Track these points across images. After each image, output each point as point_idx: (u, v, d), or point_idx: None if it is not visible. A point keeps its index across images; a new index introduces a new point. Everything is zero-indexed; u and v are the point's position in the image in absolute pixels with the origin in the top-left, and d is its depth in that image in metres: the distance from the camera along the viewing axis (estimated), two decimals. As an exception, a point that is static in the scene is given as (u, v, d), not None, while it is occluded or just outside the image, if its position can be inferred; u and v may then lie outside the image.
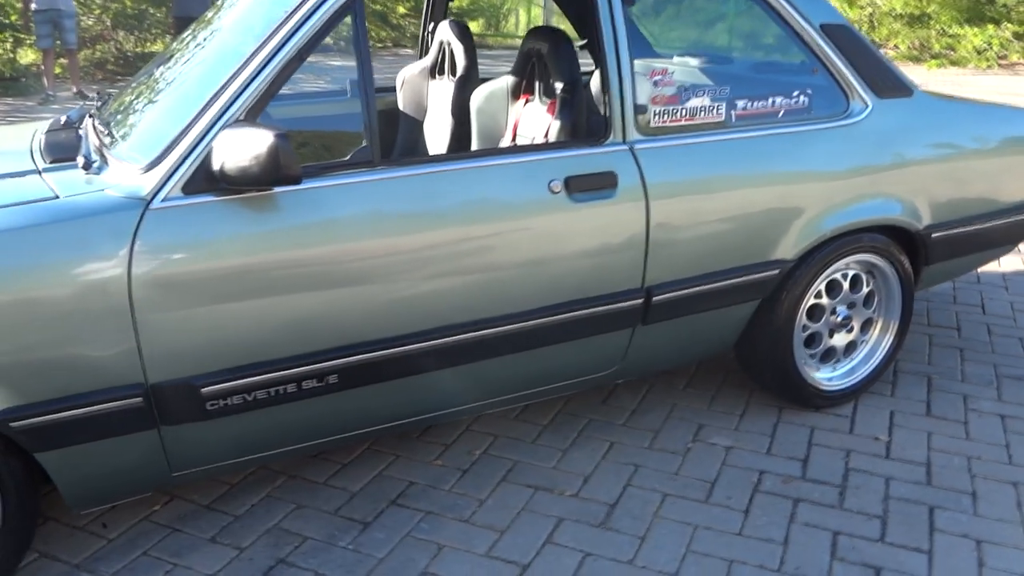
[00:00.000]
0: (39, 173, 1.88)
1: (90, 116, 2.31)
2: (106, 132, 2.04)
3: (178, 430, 1.84)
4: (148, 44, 12.18)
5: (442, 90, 2.87)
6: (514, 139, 2.55)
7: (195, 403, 1.80)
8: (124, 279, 1.68)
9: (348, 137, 2.13)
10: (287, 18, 1.85)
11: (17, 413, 1.66)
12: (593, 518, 2.17)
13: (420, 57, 3.16)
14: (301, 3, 1.86)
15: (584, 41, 3.00)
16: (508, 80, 2.61)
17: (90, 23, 10.88)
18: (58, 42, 8.26)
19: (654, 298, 2.23)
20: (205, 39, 2.32)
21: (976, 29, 12.02)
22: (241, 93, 1.79)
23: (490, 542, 2.08)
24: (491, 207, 1.99)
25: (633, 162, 2.14)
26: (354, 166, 1.89)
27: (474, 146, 2.67)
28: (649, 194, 2.15)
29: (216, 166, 1.72)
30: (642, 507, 2.22)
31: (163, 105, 2.08)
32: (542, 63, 2.45)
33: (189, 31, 2.53)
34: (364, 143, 1.89)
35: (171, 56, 2.41)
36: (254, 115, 1.80)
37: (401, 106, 3.07)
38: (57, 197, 1.74)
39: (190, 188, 1.75)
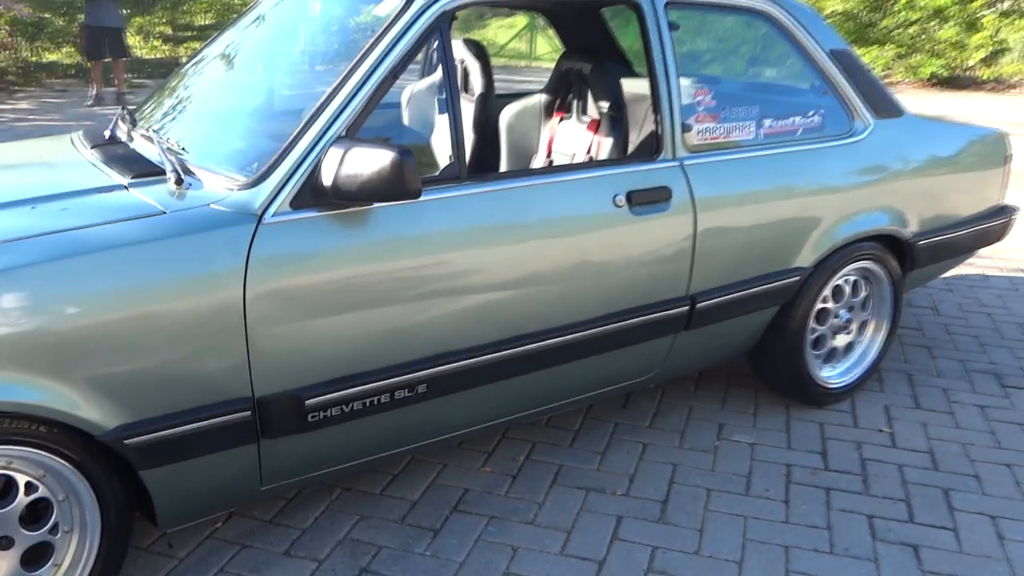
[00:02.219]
0: (126, 188, 1.86)
1: (134, 128, 2.27)
2: (179, 147, 2.02)
3: (276, 443, 1.85)
4: (47, 53, 11.73)
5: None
6: (549, 155, 2.65)
7: (298, 415, 1.82)
8: (239, 293, 1.70)
9: (418, 150, 2.19)
10: (378, 39, 1.90)
11: (131, 430, 1.65)
12: (649, 514, 2.29)
13: (424, 75, 3.22)
14: (391, 24, 1.92)
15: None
16: (541, 98, 2.71)
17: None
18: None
19: (698, 305, 2.37)
20: (255, 49, 2.33)
21: (862, 50, 12.90)
22: (342, 111, 1.83)
23: (560, 541, 2.17)
24: (566, 220, 2.09)
25: (683, 177, 2.28)
26: (443, 181, 1.95)
27: (504, 162, 2.76)
28: (696, 207, 2.30)
29: (327, 181, 1.75)
30: (691, 502, 2.35)
31: (244, 119, 2.09)
32: (581, 83, 2.57)
33: (227, 40, 2.52)
34: (451, 158, 1.96)
35: (218, 65, 2.41)
36: (353, 131, 1.85)
37: (406, 122, 3.12)
38: (164, 212, 1.73)
39: (297, 203, 1.78)
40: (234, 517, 2.23)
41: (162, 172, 1.91)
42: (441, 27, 1.96)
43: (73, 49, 11.60)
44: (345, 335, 1.84)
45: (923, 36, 13.03)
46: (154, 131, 2.18)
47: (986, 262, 4.43)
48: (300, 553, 2.10)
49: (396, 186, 1.70)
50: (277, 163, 1.79)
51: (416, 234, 1.89)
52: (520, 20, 17.57)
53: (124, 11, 9.42)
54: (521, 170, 2.13)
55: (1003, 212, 3.20)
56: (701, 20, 2.56)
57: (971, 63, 12.87)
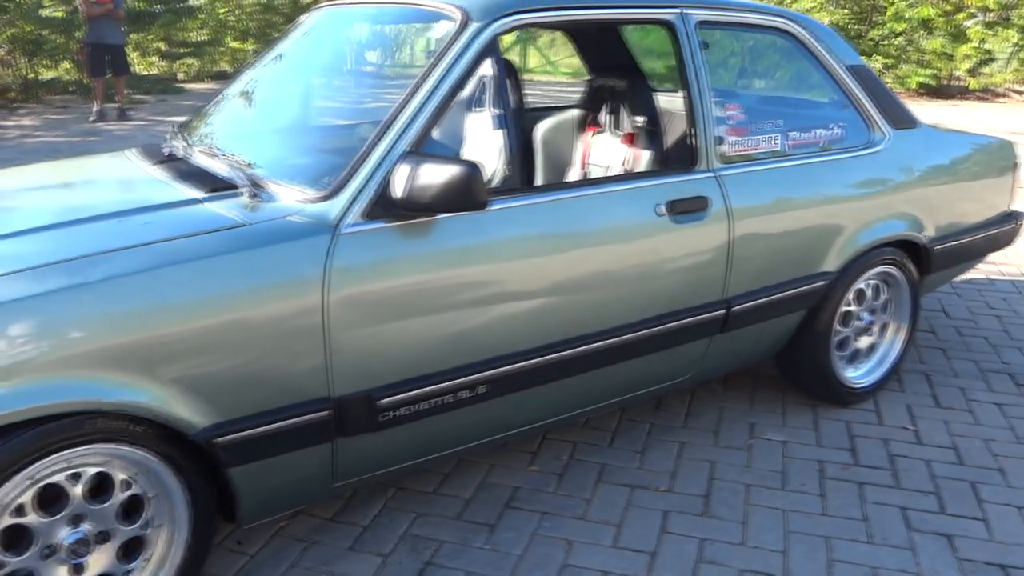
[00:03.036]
0: (202, 202, 1.96)
1: (189, 145, 2.35)
2: (246, 162, 2.11)
3: (350, 441, 1.94)
4: (45, 70, 11.80)
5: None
6: (583, 168, 2.77)
7: (371, 414, 1.92)
8: (319, 299, 1.79)
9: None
10: (438, 60, 2.02)
11: (222, 429, 1.75)
12: (694, 509, 2.40)
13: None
14: (449, 47, 2.03)
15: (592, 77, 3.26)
16: (574, 113, 2.83)
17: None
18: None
19: (733, 308, 2.49)
20: (302, 67, 2.43)
21: (851, 63, 13.11)
22: (408, 128, 1.94)
23: (612, 535, 2.27)
24: (613, 228, 2.21)
25: (718, 187, 2.40)
26: (501, 192, 2.06)
27: (539, 175, 2.87)
28: (732, 215, 2.41)
29: (398, 193, 1.86)
30: (732, 497, 2.46)
31: (302, 135, 2.20)
32: (616, 98, 2.69)
33: (273, 59, 2.62)
34: (508, 171, 2.07)
35: (266, 82, 2.51)
36: (418, 146, 1.95)
37: (435, 136, 3.23)
38: (244, 225, 1.83)
39: (370, 214, 1.88)
40: (299, 516, 2.32)
41: (233, 187, 2.00)
42: (494, 47, 2.07)
43: (71, 66, 11.66)
44: (413, 339, 1.94)
45: (910, 47, 13.30)
46: (217, 148, 2.27)
47: (989, 267, 4.57)
48: (365, 548, 2.19)
49: (466, 198, 1.81)
50: (350, 177, 1.89)
51: (478, 243, 2.00)
52: (508, 37, 17.75)
53: (122, 28, 9.47)
54: (571, 182, 2.25)
55: (1012, 218, 3.34)
56: (727, 38, 2.68)
57: (958, 73, 13.13)
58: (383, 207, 1.89)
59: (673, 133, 2.55)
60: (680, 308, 2.38)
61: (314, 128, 2.40)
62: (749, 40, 2.78)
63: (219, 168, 2.14)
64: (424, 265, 1.93)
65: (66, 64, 11.56)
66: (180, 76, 13.92)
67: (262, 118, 2.47)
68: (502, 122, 2.08)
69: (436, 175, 1.82)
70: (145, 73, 13.27)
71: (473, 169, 1.79)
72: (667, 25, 2.41)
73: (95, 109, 9.53)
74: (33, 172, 2.55)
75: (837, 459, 2.67)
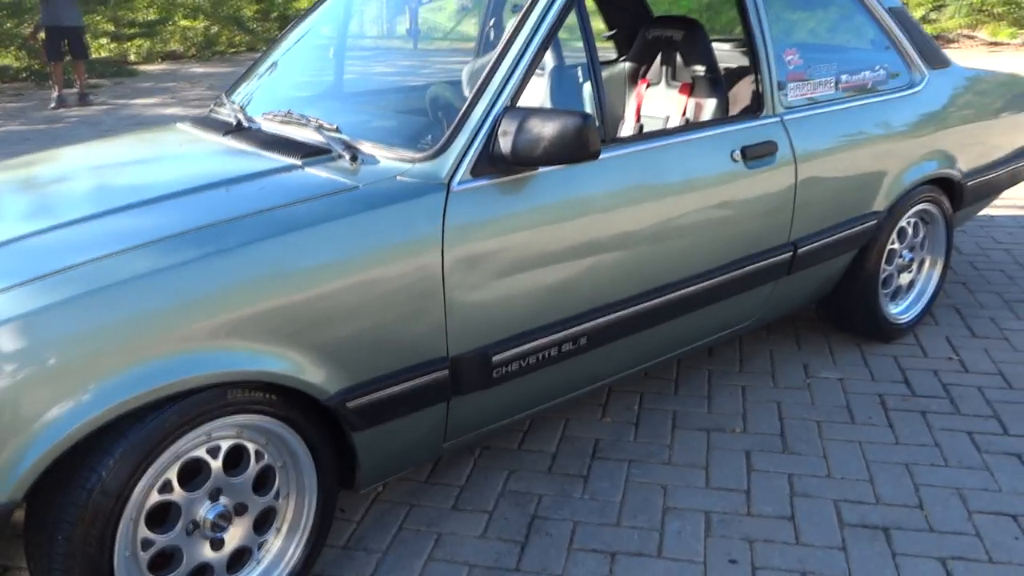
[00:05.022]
0: (301, 168, 1.94)
1: (247, 113, 2.30)
2: (330, 126, 2.08)
3: (463, 400, 1.96)
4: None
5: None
6: (638, 120, 2.79)
7: (485, 371, 1.93)
8: (438, 258, 1.80)
9: None
10: (526, 15, 2.01)
11: (351, 393, 1.75)
12: (774, 447, 2.47)
13: (481, 52, 3.31)
14: (534, 4, 2.02)
15: (612, 32, 3.28)
16: (625, 66, 2.84)
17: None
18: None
19: (799, 250, 2.55)
20: (350, 28, 2.41)
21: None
22: (507, 83, 1.94)
23: (702, 477, 2.33)
24: (696, 175, 2.24)
25: (784, 131, 2.45)
26: (595, 144, 2.07)
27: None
28: (797, 158, 2.46)
29: (506, 148, 1.86)
30: (806, 433, 2.53)
31: (381, 96, 2.18)
32: (671, 49, 2.71)
33: (319, 20, 2.59)
34: (597, 123, 2.08)
35: (315, 44, 2.48)
36: (515, 101, 1.95)
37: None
38: (357, 187, 1.82)
39: (477, 171, 1.88)
40: (393, 481, 2.33)
41: (324, 151, 1.99)
42: (578, 2, 2.07)
43: (21, 51, 11.25)
44: (521, 294, 1.95)
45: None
46: (289, 114, 2.23)
47: (988, 203, 4.72)
48: (468, 507, 2.22)
49: (579, 148, 1.81)
50: (455, 134, 1.89)
51: (575, 195, 2.01)
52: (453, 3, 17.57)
53: (78, 8, 9.12)
54: (653, 132, 2.26)
55: (1029, 152, 3.45)
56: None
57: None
58: (491, 163, 1.89)
59: (734, 80, 2.58)
60: (754, 252, 2.43)
61: (384, 90, 2.38)
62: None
63: (299, 134, 2.11)
64: (528, 219, 1.94)
65: (16, 50, 11.15)
66: (132, 58, 13.52)
67: (323, 82, 2.44)
68: (587, 73, 2.08)
69: (546, 128, 1.82)
70: (96, 56, 12.84)
71: (587, 119, 1.80)
72: None
73: (55, 95, 9.23)
74: (90, 150, 2.48)
75: (895, 391, 2.77)
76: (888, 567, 1.97)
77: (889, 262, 2.98)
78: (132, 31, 13.67)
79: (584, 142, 1.81)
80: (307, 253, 1.67)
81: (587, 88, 2.05)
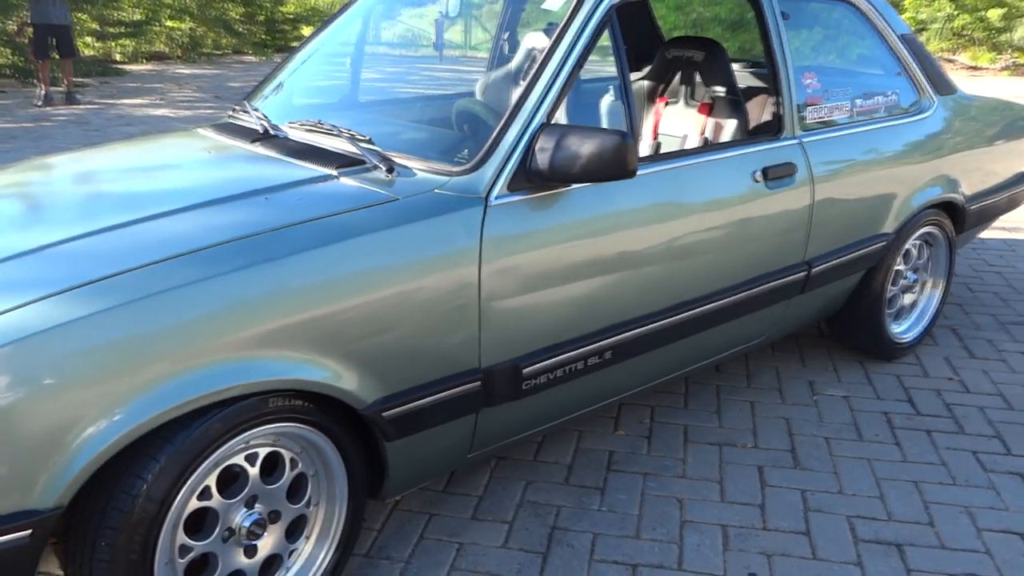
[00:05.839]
0: (337, 178, 1.95)
1: (269, 121, 2.30)
2: (363, 137, 2.09)
3: (492, 411, 1.98)
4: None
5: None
6: (655, 138, 2.82)
7: (515, 383, 1.95)
8: (475, 270, 1.82)
9: None
10: (561, 34, 2.04)
11: (387, 403, 1.76)
12: (785, 463, 2.50)
13: (492, 66, 3.33)
14: (570, 20, 2.05)
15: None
16: (643, 84, 2.89)
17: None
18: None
19: (813, 270, 2.59)
20: (372, 40, 2.43)
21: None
22: (543, 100, 1.96)
23: (717, 491, 2.36)
24: (719, 194, 2.28)
25: (803, 153, 2.50)
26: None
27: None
28: (814, 180, 2.51)
29: (543, 164, 1.88)
30: (816, 449, 2.57)
31: (409, 108, 2.19)
32: (691, 69, 2.75)
33: (338, 31, 2.60)
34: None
35: (337, 51, 2.49)
36: (551, 118, 1.98)
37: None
38: (396, 199, 1.84)
39: (512, 186, 1.91)
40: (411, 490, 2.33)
41: (359, 162, 2.00)
42: (612, 19, 2.10)
43: (6, 48, 11.12)
44: (552, 308, 1.98)
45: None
46: (316, 124, 2.23)
47: (979, 226, 4.81)
48: (487, 517, 2.23)
49: (617, 166, 1.84)
50: (492, 149, 1.91)
51: (606, 211, 2.04)
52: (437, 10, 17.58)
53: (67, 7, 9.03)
54: (680, 151, 2.30)
55: (1024, 178, 3.54)
56: (794, 10, 2.75)
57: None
58: (527, 178, 1.92)
59: (753, 102, 2.63)
60: (771, 271, 2.48)
61: (412, 100, 2.39)
62: (813, 11, 2.86)
63: (330, 144, 2.12)
64: (559, 234, 1.96)
65: (1, 47, 11.02)
66: (117, 57, 13.42)
67: (343, 91, 2.45)
68: (619, 93, 2.11)
69: (585, 146, 1.84)
70: (81, 55, 12.73)
71: (625, 138, 1.83)
72: None
73: (41, 93, 9.14)
74: (115, 153, 2.47)
75: (899, 410, 2.82)
76: (905, 583, 2.02)
77: (894, 283, 3.04)
78: (118, 31, 13.57)
79: (622, 160, 1.84)
80: (350, 263, 1.68)
81: (618, 106, 2.08)
